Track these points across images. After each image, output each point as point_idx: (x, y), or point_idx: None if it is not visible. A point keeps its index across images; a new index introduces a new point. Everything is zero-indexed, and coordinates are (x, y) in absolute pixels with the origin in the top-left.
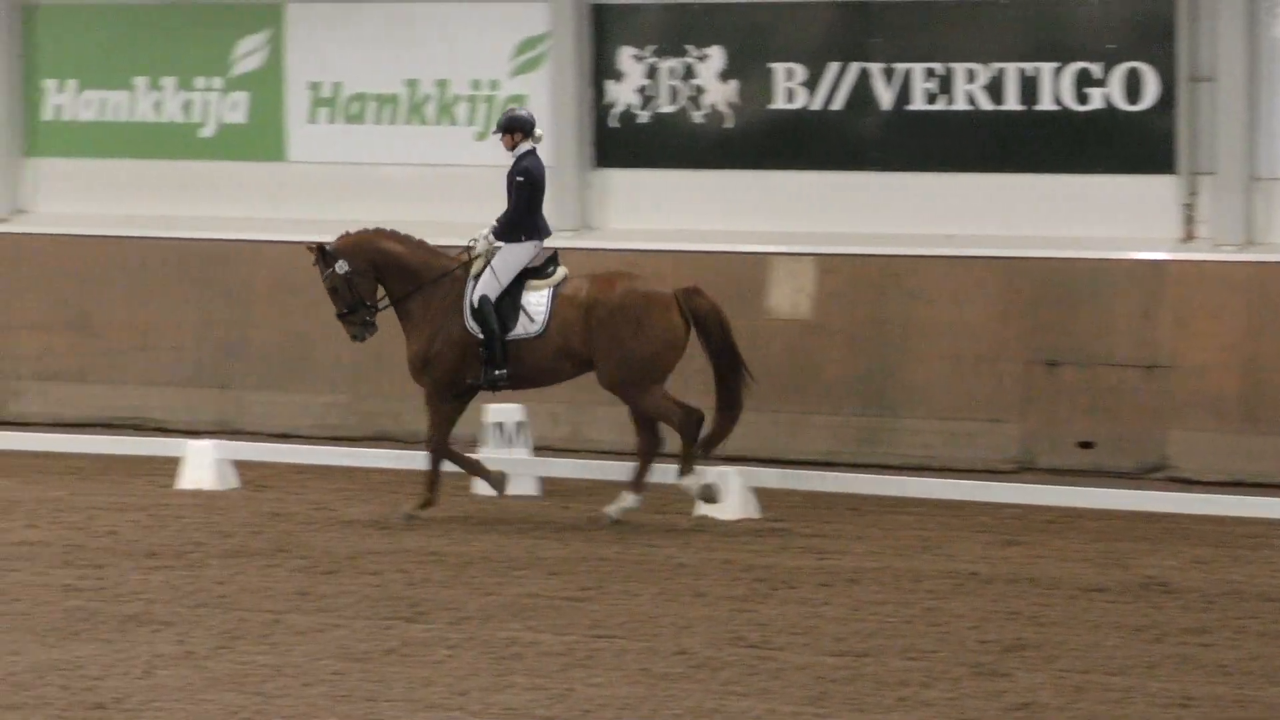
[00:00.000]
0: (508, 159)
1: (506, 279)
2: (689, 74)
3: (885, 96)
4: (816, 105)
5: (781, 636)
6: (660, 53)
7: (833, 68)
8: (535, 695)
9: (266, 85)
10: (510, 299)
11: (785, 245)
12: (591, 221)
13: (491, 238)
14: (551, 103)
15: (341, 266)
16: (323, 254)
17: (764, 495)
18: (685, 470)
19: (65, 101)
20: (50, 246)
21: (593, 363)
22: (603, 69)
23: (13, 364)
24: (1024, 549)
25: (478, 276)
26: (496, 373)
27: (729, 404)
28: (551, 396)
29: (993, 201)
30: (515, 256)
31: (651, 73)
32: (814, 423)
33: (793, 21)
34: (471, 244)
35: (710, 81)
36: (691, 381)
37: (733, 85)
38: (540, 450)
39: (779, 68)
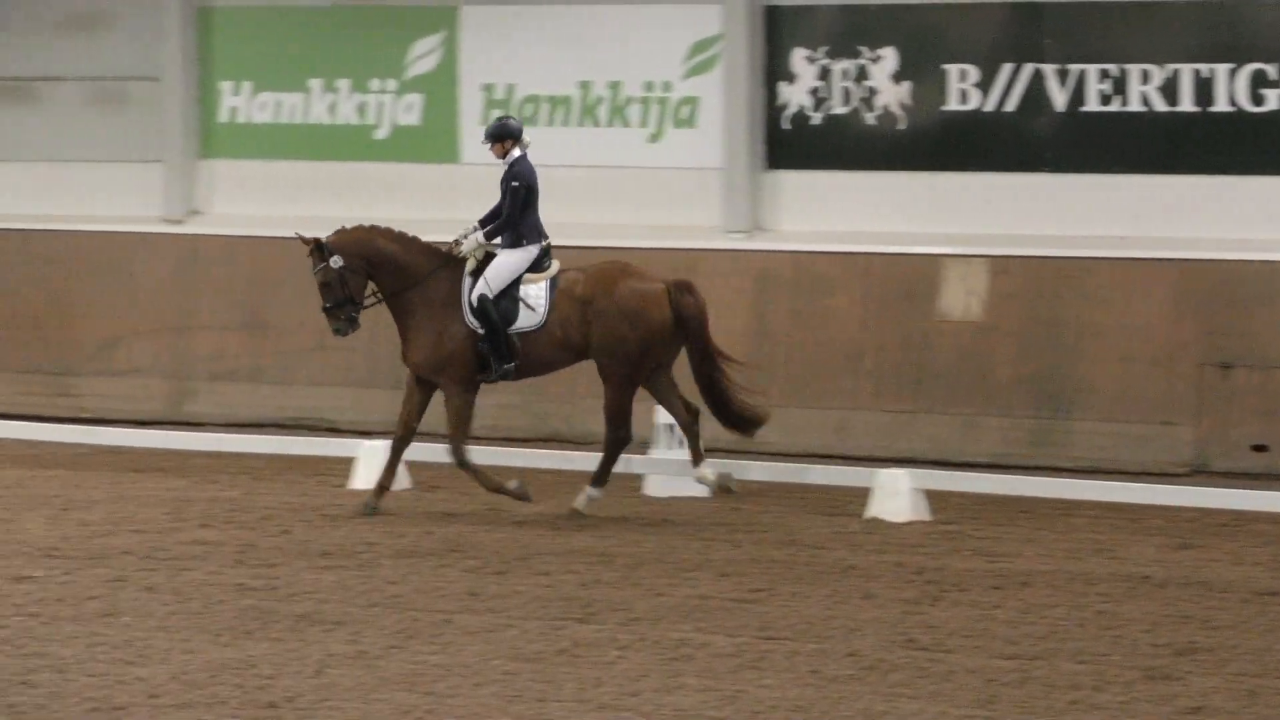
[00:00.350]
0: (684, 161)
1: (502, 283)
2: (862, 75)
3: (1059, 98)
4: (990, 107)
5: (952, 639)
6: (833, 54)
7: (1006, 69)
8: (706, 697)
9: (440, 87)
10: (508, 293)
11: (957, 247)
12: (764, 223)
13: (480, 238)
14: (724, 104)
15: (336, 262)
16: (319, 248)
17: (935, 497)
18: (599, 482)
19: (240, 104)
20: (225, 248)
21: (588, 354)
22: (775, 70)
23: (188, 365)
24: (1197, 552)
25: (473, 274)
26: (506, 366)
27: (713, 400)
28: None
29: (1167, 203)
30: (516, 260)
31: (824, 74)
32: (985, 424)
33: (966, 22)
34: (458, 241)
35: (883, 83)
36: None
37: (906, 87)
38: (711, 452)
39: (952, 69)
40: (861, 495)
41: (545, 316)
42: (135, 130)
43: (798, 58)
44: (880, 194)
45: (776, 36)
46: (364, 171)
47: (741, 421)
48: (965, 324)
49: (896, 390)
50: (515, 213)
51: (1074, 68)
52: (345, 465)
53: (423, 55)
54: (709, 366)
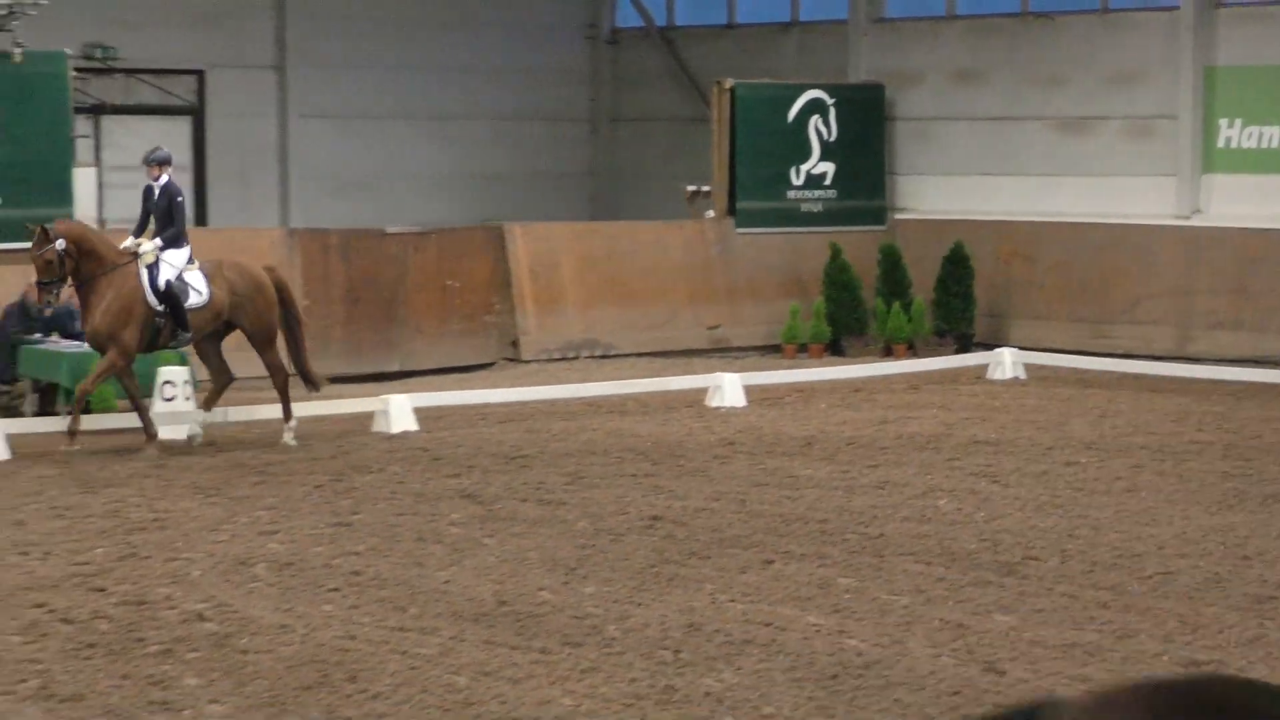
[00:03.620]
0: None
1: (177, 271)
2: None
3: None
4: None
5: None
6: None
7: None
8: None
9: None
10: (180, 279)
11: None
12: None
13: (158, 243)
14: None
15: (60, 245)
16: (44, 233)
17: None
18: (289, 417)
19: (1234, 134)
20: (1218, 236)
21: (230, 323)
22: None
23: (1190, 317)
24: None
25: (150, 267)
26: (185, 334)
27: (297, 352)
28: None
29: None
30: (181, 255)
31: None
32: None
33: None
34: (136, 245)
35: None
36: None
37: None
38: None
39: None
40: None
41: (209, 297)
42: (1157, 154)
43: None
44: None
45: None
46: None
47: (306, 376)
48: None
49: None
50: (182, 220)
51: None
52: None
53: None
54: (295, 328)
